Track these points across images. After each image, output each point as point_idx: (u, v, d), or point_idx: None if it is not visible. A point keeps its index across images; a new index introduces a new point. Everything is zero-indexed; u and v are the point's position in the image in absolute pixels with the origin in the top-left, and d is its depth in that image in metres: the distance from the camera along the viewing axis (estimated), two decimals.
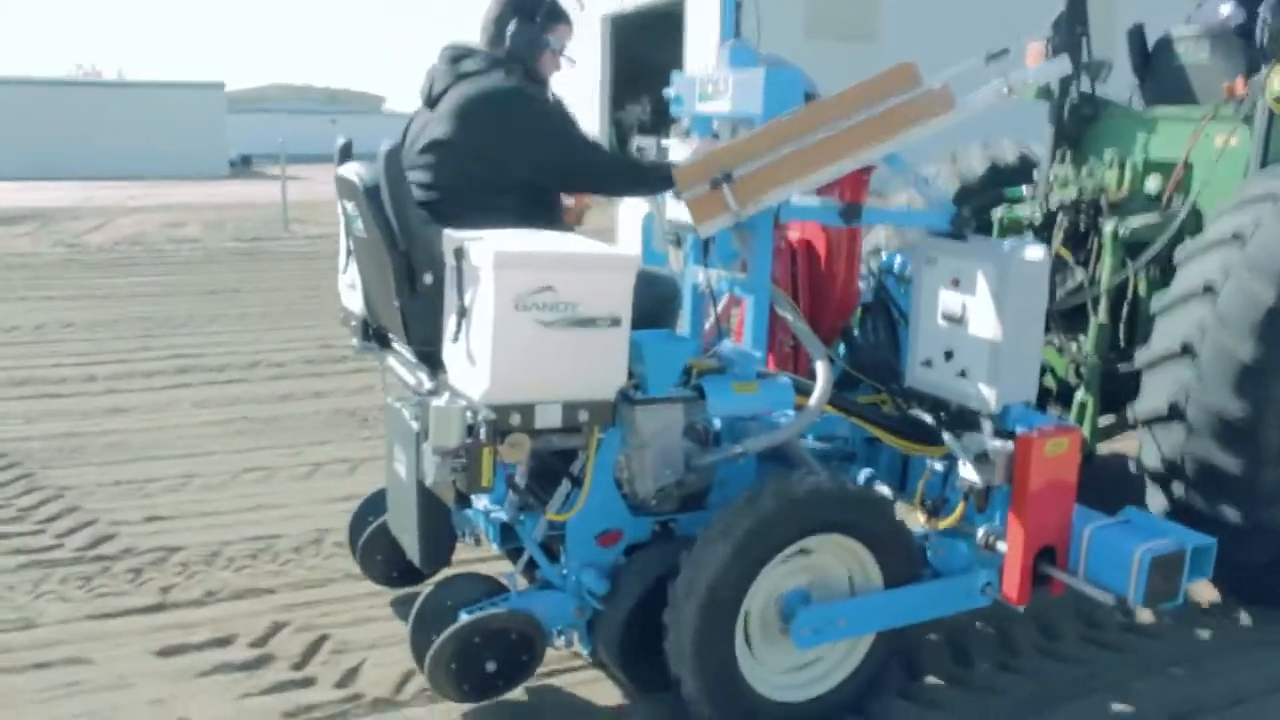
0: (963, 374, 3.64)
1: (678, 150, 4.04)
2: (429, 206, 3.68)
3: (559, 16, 4.08)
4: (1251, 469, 4.17)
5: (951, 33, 20.52)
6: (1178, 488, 4.34)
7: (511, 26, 3.94)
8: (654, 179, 3.80)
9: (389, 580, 4.47)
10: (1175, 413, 4.27)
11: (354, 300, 4.15)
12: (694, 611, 3.29)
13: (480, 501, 3.91)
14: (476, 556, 4.61)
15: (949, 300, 3.67)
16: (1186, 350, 4.25)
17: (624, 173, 4.00)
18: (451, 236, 3.29)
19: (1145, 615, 4.38)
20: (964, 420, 3.69)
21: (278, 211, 18.94)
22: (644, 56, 19.79)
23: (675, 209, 3.91)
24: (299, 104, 44.21)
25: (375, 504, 4.44)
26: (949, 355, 3.69)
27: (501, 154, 3.71)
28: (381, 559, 4.41)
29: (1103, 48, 5.68)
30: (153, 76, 41.30)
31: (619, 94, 27.11)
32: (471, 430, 3.07)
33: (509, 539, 3.88)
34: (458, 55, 3.99)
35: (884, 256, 4.66)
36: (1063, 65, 3.84)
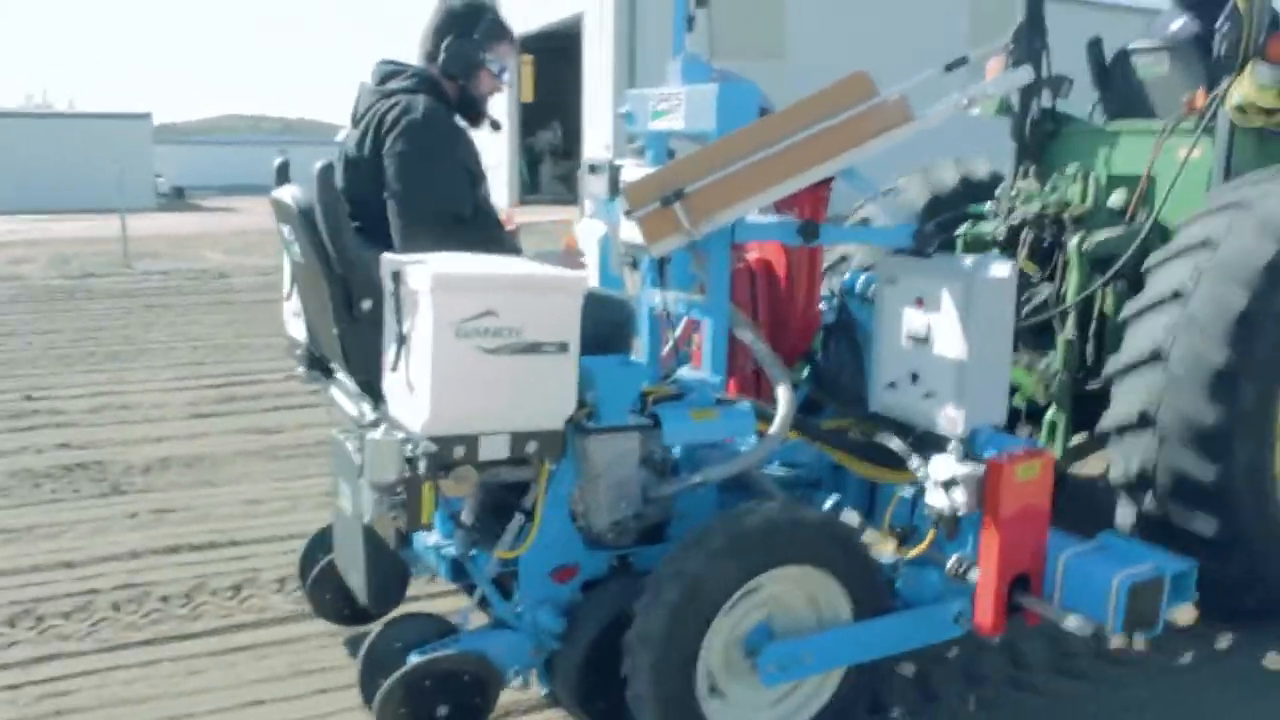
0: (929, 396, 3.51)
1: (630, 170, 3.91)
2: (359, 230, 3.54)
3: (500, 35, 3.99)
4: (1224, 479, 4.06)
5: (857, 48, 20.71)
6: (1148, 501, 4.22)
7: (447, 41, 3.84)
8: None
9: (341, 618, 4.29)
10: (1145, 421, 4.17)
11: (298, 328, 4.00)
12: (650, 661, 3.12)
13: (431, 536, 3.74)
14: (434, 591, 4.44)
15: (913, 320, 3.54)
16: (1156, 356, 4.16)
17: (417, 237, 3.58)
18: (389, 259, 3.14)
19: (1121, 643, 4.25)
20: (931, 444, 3.56)
21: (154, 246, 18.66)
22: (551, 81, 19.59)
23: (629, 230, 3.77)
24: (252, 134, 44.16)
25: (325, 541, 4.26)
26: (914, 377, 3.57)
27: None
28: (331, 597, 4.23)
29: (1061, 62, 5.60)
30: (106, 108, 40.78)
31: (529, 119, 26.94)
32: (411, 464, 2.91)
33: (461, 574, 3.71)
34: (387, 74, 3.91)
35: (846, 276, 4.54)
36: (1024, 74, 3.75)
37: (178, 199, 36.84)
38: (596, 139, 25.35)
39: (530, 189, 28.56)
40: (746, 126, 3.37)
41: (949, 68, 3.39)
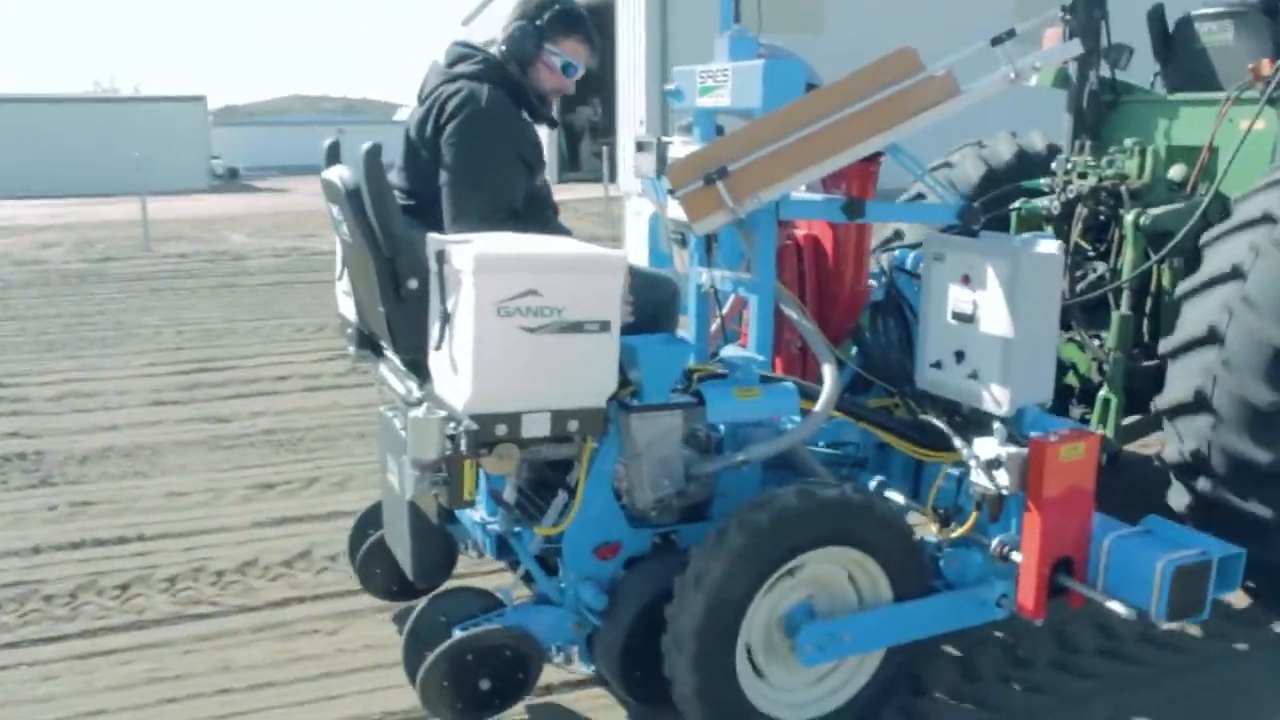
0: (974, 375, 3.48)
1: (678, 148, 3.90)
2: (412, 210, 3.56)
3: (567, 29, 3.89)
4: None
5: (897, 22, 20.41)
6: (1203, 483, 4.14)
7: (513, 26, 3.83)
8: None
9: (389, 594, 4.35)
10: (1201, 402, 4.08)
11: (349, 307, 4.04)
12: (692, 635, 3.14)
13: (477, 513, 3.78)
14: (480, 568, 4.49)
15: (959, 298, 3.51)
16: (1213, 336, 4.07)
17: (468, 227, 3.53)
18: (434, 239, 3.17)
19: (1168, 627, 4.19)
20: (976, 424, 3.53)
21: (182, 228, 18.76)
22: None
23: (676, 207, 3.77)
24: (313, 115, 44.57)
25: (374, 517, 4.32)
26: (960, 356, 3.54)
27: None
28: (381, 572, 4.29)
29: (1122, 31, 5.47)
30: (170, 91, 41.26)
31: (567, 96, 26.79)
32: (453, 441, 2.94)
33: (506, 551, 3.75)
34: (457, 56, 3.89)
35: (896, 253, 4.49)
36: (1071, 48, 3.67)
37: (232, 180, 37.20)
38: (631, 115, 25.29)
39: (570, 166, 28.43)
40: (791, 103, 3.35)
41: (995, 41, 3.32)
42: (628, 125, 26.01)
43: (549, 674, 3.65)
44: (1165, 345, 4.31)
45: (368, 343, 3.97)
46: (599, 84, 26.32)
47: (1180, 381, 4.19)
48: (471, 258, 2.89)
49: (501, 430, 3.01)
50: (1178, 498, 4.28)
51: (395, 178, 3.79)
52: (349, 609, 4.48)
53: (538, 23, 3.84)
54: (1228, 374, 4.01)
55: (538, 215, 3.84)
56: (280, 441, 6.81)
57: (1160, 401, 4.30)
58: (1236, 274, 4.07)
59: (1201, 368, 4.09)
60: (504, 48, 3.85)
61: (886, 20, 21.13)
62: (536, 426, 3.05)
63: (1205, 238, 4.35)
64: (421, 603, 3.62)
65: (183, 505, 5.75)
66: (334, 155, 3.81)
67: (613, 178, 26.76)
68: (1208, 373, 4.06)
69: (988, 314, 3.42)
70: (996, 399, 3.41)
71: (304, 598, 4.60)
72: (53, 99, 37.07)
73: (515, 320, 2.93)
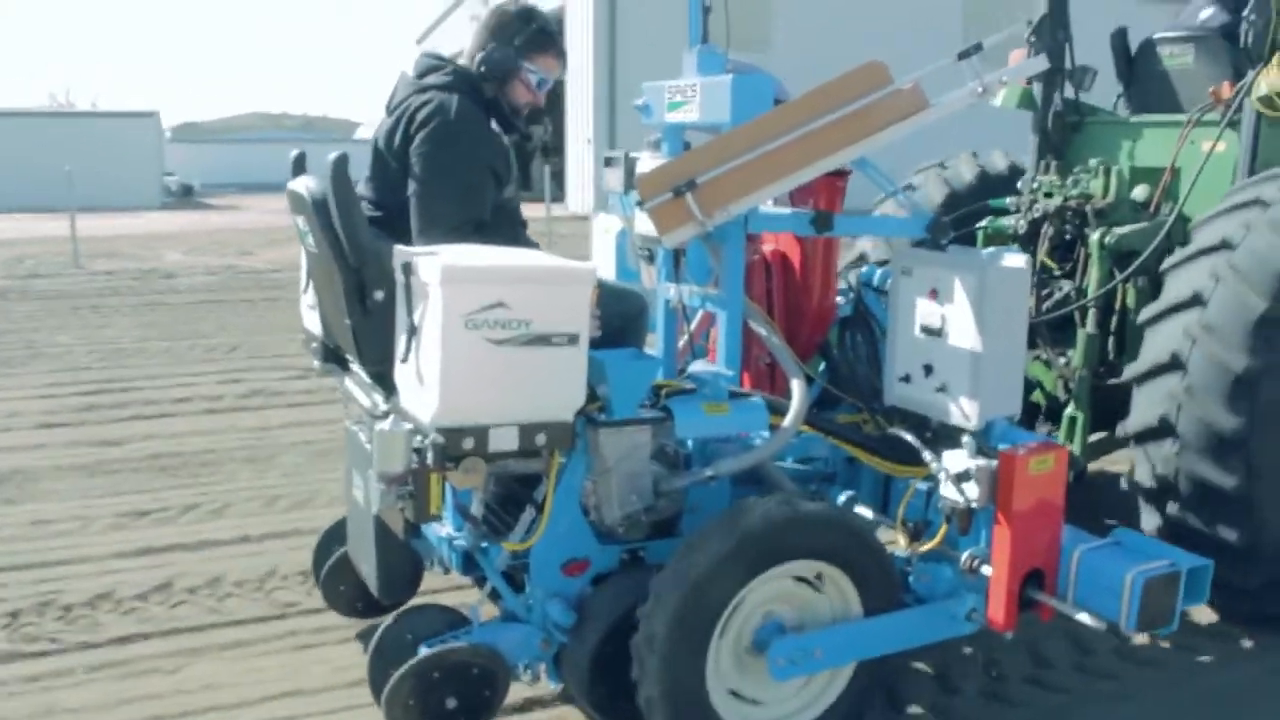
0: (942, 389, 3.48)
1: (646, 163, 3.89)
2: (380, 222, 3.54)
3: (543, 47, 3.94)
4: (1246, 485, 4.01)
5: (844, 39, 20.63)
6: (1171, 507, 4.18)
7: (490, 45, 3.83)
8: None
9: (353, 611, 4.30)
10: (1166, 428, 4.12)
11: (314, 320, 4.00)
12: (659, 661, 3.11)
13: (443, 528, 3.74)
14: (446, 584, 4.43)
15: (927, 312, 3.51)
16: (1176, 362, 4.10)
17: (436, 238, 3.53)
18: (401, 251, 3.14)
19: (1140, 640, 4.21)
20: (946, 438, 3.53)
21: (118, 245, 18.44)
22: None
23: (643, 222, 3.76)
24: (273, 132, 44.38)
25: (339, 533, 4.27)
26: (928, 370, 3.54)
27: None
28: (345, 589, 4.24)
29: (1086, 53, 5.54)
30: (129, 107, 40.78)
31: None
32: (419, 455, 2.90)
33: (473, 567, 3.71)
34: (427, 68, 3.89)
35: (863, 268, 4.51)
36: (1039, 62, 3.70)
37: (186, 197, 36.78)
38: (579, 134, 25.33)
39: (522, 186, 28.52)
40: (760, 116, 3.35)
41: (962, 55, 3.34)
42: (576, 144, 26.07)
43: (517, 692, 3.60)
44: (1130, 371, 4.34)
45: (333, 356, 3.93)
46: (550, 103, 26.45)
47: (1146, 407, 4.22)
48: (439, 269, 2.86)
49: (469, 444, 2.97)
50: (1149, 520, 4.30)
51: (363, 189, 3.78)
52: (197, 645, 4.30)
53: (516, 43, 3.87)
54: (1191, 400, 4.03)
55: (506, 229, 3.83)
56: (164, 466, 6.60)
57: (1127, 427, 4.32)
58: (1197, 301, 4.11)
59: (1166, 394, 4.12)
60: (482, 68, 3.85)
61: (833, 37, 21.40)
62: (504, 440, 3.02)
63: (1166, 264, 4.40)
64: (387, 620, 3.57)
65: (44, 534, 5.49)
66: (300, 166, 3.78)
67: (560, 197, 26.79)
68: (1172, 399, 4.09)
69: (956, 327, 3.42)
70: (965, 412, 3.41)
71: (151, 634, 4.38)
72: (8, 114, 36.43)
73: (483, 332, 2.90)
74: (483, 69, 3.85)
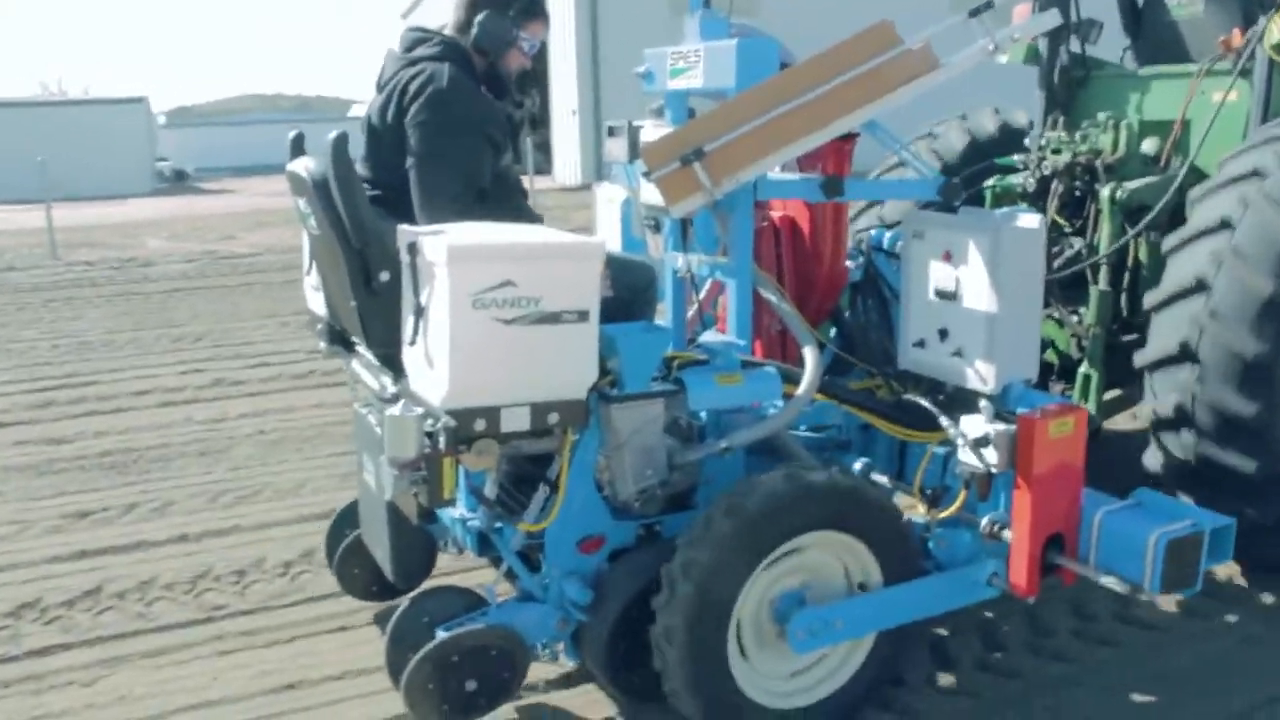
0: (958, 353, 3.44)
1: (650, 131, 3.83)
2: (379, 201, 3.48)
3: (535, 13, 3.93)
4: (1267, 415, 3.92)
5: (832, 5, 20.31)
6: (1185, 438, 4.08)
7: (481, 16, 3.77)
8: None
9: (368, 594, 4.27)
10: (1186, 353, 4.02)
11: (318, 302, 3.95)
12: (681, 628, 3.09)
13: (457, 510, 3.70)
14: (460, 566, 4.41)
15: (940, 275, 3.46)
16: (1201, 286, 3.99)
17: (439, 209, 3.53)
18: (405, 230, 3.08)
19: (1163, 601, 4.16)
20: (962, 402, 3.48)
21: (100, 234, 18.14)
22: None
23: (650, 192, 3.70)
24: (267, 113, 44.05)
25: (352, 516, 4.24)
26: (943, 334, 3.49)
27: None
28: (359, 573, 4.21)
29: (1091, 6, 5.44)
30: (121, 93, 40.37)
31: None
32: (431, 439, 2.86)
33: (488, 547, 3.68)
34: (414, 41, 3.84)
35: (873, 233, 4.45)
36: (1051, 18, 3.62)
37: (179, 182, 36.48)
38: (564, 105, 25.14)
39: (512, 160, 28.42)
40: (766, 81, 3.28)
41: (974, 13, 3.27)
42: (561, 116, 25.86)
43: (537, 671, 3.58)
44: (1151, 298, 4.23)
45: (339, 338, 3.88)
46: (536, 76, 26.29)
47: (1165, 334, 4.12)
48: (445, 249, 2.81)
49: (480, 425, 2.93)
50: (1155, 457, 4.23)
51: (359, 169, 3.72)
52: (118, 654, 4.14)
53: (510, 12, 3.84)
54: (1215, 324, 3.95)
55: (507, 199, 3.78)
56: (113, 464, 6.43)
57: (1143, 356, 4.23)
58: (1225, 225, 4.01)
59: (1188, 319, 4.02)
60: (476, 36, 3.79)
61: (822, 2, 21.10)
62: (516, 420, 2.98)
63: (1192, 195, 4.29)
64: (403, 603, 3.54)
65: None
66: (299, 147, 3.72)
67: (546, 169, 26.55)
68: (1194, 323, 3.99)
69: (971, 290, 3.37)
70: (982, 376, 3.37)
71: (72, 644, 4.23)
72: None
73: (491, 312, 2.85)
74: (476, 38, 3.81)
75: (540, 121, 27.01)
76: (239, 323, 10.83)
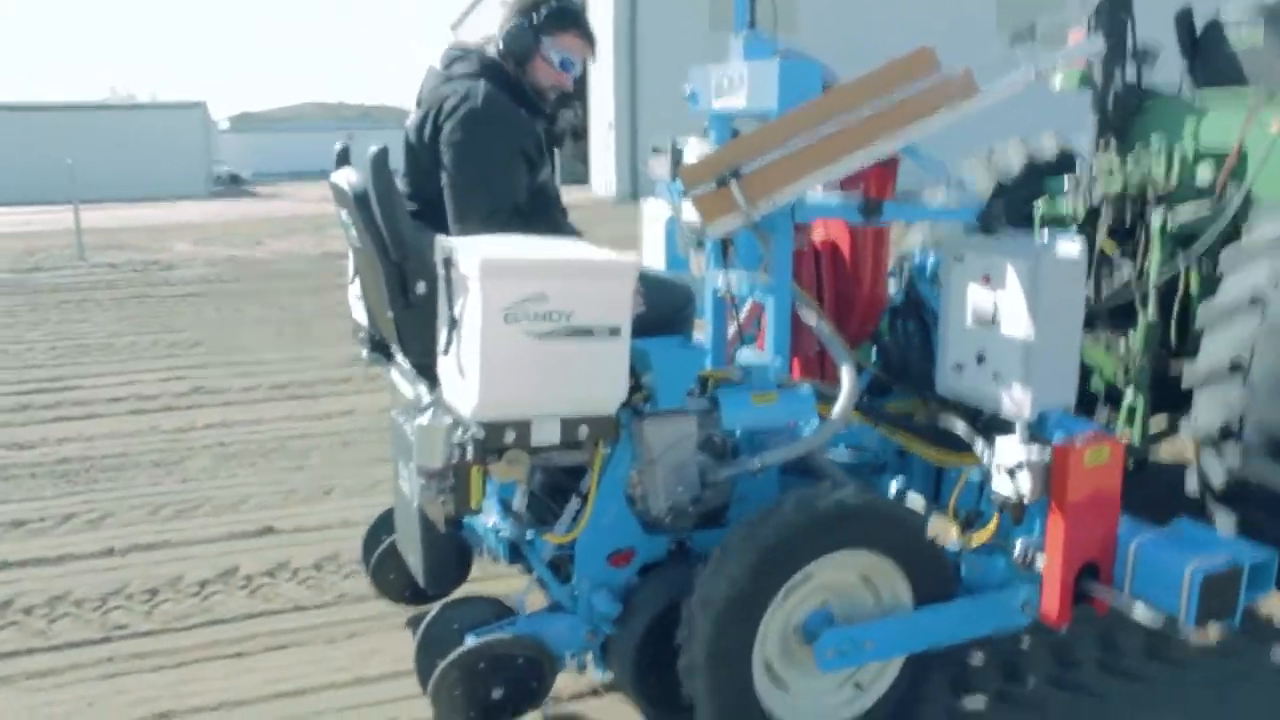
0: (995, 378, 3.41)
1: (693, 150, 3.85)
2: (417, 215, 3.54)
3: (563, 25, 3.89)
4: None
5: (874, 24, 20.09)
6: (1231, 458, 4.09)
7: (509, 25, 3.81)
8: None
9: (402, 599, 4.33)
10: (1236, 369, 4.02)
11: (360, 312, 4.02)
12: (706, 647, 3.10)
13: (490, 518, 3.74)
14: (497, 573, 4.43)
15: (979, 300, 3.44)
16: (1255, 302, 3.99)
17: (472, 228, 3.53)
18: (442, 243, 3.13)
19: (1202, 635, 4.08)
20: (998, 428, 3.46)
21: (134, 237, 18.23)
22: None
23: (691, 210, 3.72)
24: (330, 121, 44.59)
25: (389, 521, 4.30)
26: (980, 358, 3.47)
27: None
28: (394, 577, 4.26)
29: (1149, 33, 5.39)
30: (185, 97, 41.34)
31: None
32: (460, 449, 2.89)
33: (520, 556, 3.70)
34: (453, 58, 3.89)
35: (915, 256, 4.43)
36: (1092, 45, 3.60)
37: (233, 186, 36.91)
38: (600, 119, 25.14)
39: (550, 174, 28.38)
40: (806, 103, 3.29)
41: (1014, 41, 3.26)
42: (598, 130, 25.86)
43: (564, 682, 3.60)
44: (1204, 314, 4.21)
45: (379, 347, 3.94)
46: (580, 88, 26.39)
47: (1217, 350, 4.11)
48: (478, 262, 2.85)
49: (510, 437, 2.96)
50: (1203, 475, 4.19)
51: (400, 183, 3.78)
52: (2, 674, 4.06)
53: (534, 19, 3.83)
54: (1269, 341, 3.91)
55: (544, 214, 3.80)
56: (65, 473, 6.38)
57: (1192, 373, 4.21)
58: (1258, 302, 3.99)
59: (1241, 335, 4.01)
60: (501, 46, 3.83)
61: (863, 22, 20.99)
62: (546, 433, 3.00)
63: (1224, 261, 4.27)
64: (433, 610, 3.58)
65: None
66: (344, 159, 3.78)
67: (584, 179, 26.51)
68: (1247, 340, 3.98)
69: (1009, 315, 3.35)
70: (1018, 402, 3.34)
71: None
72: (48, 106, 36.17)
73: (523, 325, 2.88)
74: (501, 47, 3.83)
75: (580, 135, 27.08)
76: (238, 329, 10.88)
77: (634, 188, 24.04)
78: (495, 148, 3.64)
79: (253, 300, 12.71)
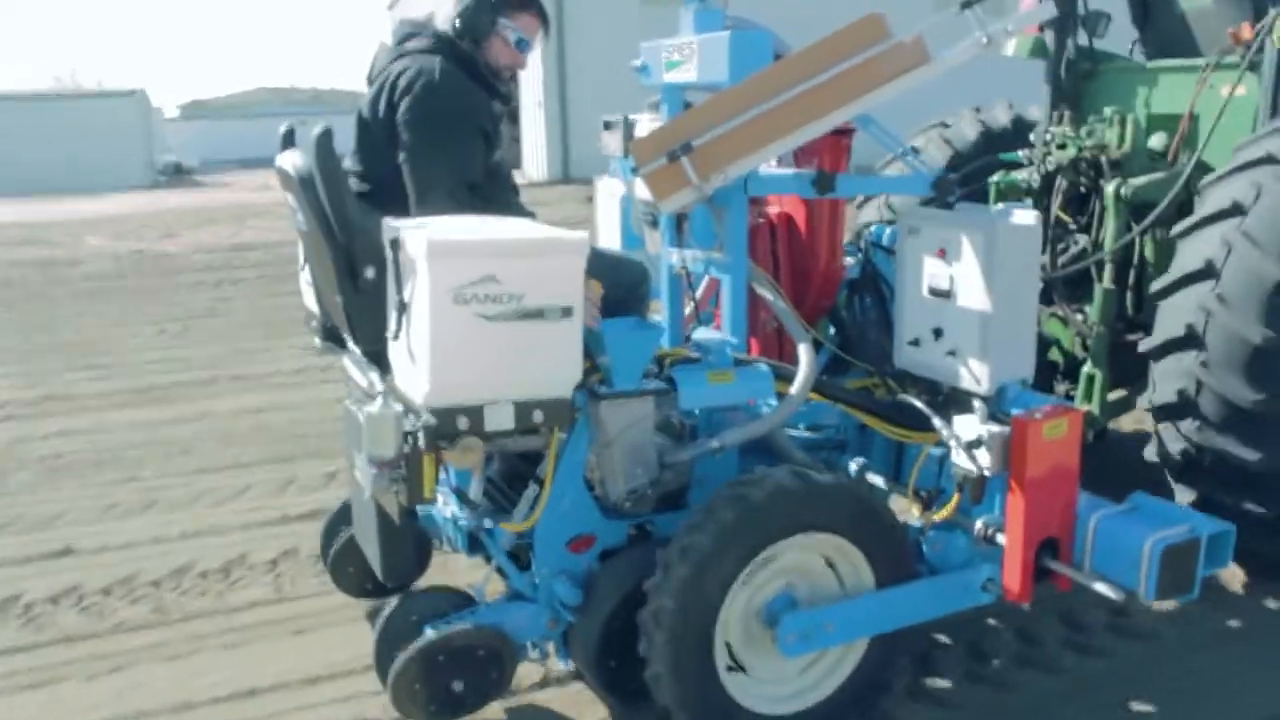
0: (952, 353, 3.39)
1: (645, 125, 3.79)
2: (365, 197, 3.46)
3: (521, 4, 3.86)
4: (1272, 405, 3.86)
5: None
6: (1187, 428, 4.06)
7: (465, 3, 3.74)
8: None
9: (362, 592, 4.25)
10: (1191, 339, 3.99)
11: (312, 299, 3.93)
12: (667, 639, 3.05)
13: (449, 508, 3.67)
14: (459, 562, 4.36)
15: (935, 273, 3.41)
16: (1209, 270, 3.95)
17: (434, 202, 3.52)
18: (389, 226, 3.05)
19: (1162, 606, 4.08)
20: (958, 403, 3.43)
21: (49, 233, 17.61)
22: None
23: (643, 187, 3.66)
24: (281, 106, 43.92)
25: (347, 513, 4.21)
26: (938, 333, 3.44)
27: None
28: (353, 570, 4.19)
29: None
30: (134, 85, 40.32)
31: None
32: (411, 437, 2.82)
33: (479, 546, 3.64)
34: (405, 35, 3.81)
35: (872, 229, 4.39)
36: (1044, 10, 3.56)
37: (176, 175, 36.20)
38: (530, 98, 24.77)
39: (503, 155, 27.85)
40: (755, 74, 3.23)
41: (965, 5, 3.21)
42: (528, 109, 25.40)
43: (525, 671, 3.55)
44: (1158, 284, 4.18)
45: (331, 335, 3.85)
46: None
47: (1171, 320, 4.08)
48: (425, 243, 2.77)
49: (463, 423, 2.89)
50: (1157, 447, 4.19)
51: (350, 163, 3.70)
52: None
53: (492, 3, 3.78)
54: (1223, 309, 3.89)
55: (498, 195, 3.75)
56: None
57: (1147, 343, 4.19)
58: (1237, 210, 3.95)
59: (1195, 304, 3.98)
60: (457, 23, 3.77)
61: None
62: (499, 418, 2.94)
63: (1204, 181, 4.24)
64: (392, 602, 3.51)
65: None
66: (289, 142, 3.68)
67: (516, 164, 26.08)
68: (1201, 309, 3.95)
69: (965, 289, 3.32)
70: (976, 376, 3.31)
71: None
72: None
73: (473, 308, 2.81)
74: (458, 25, 3.78)
75: (513, 116, 26.74)
76: (118, 329, 10.40)
77: (565, 169, 23.64)
78: (453, 122, 3.59)
79: (146, 297, 12.21)
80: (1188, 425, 4.01)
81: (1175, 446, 4.09)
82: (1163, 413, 4.12)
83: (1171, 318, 4.08)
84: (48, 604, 4.55)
